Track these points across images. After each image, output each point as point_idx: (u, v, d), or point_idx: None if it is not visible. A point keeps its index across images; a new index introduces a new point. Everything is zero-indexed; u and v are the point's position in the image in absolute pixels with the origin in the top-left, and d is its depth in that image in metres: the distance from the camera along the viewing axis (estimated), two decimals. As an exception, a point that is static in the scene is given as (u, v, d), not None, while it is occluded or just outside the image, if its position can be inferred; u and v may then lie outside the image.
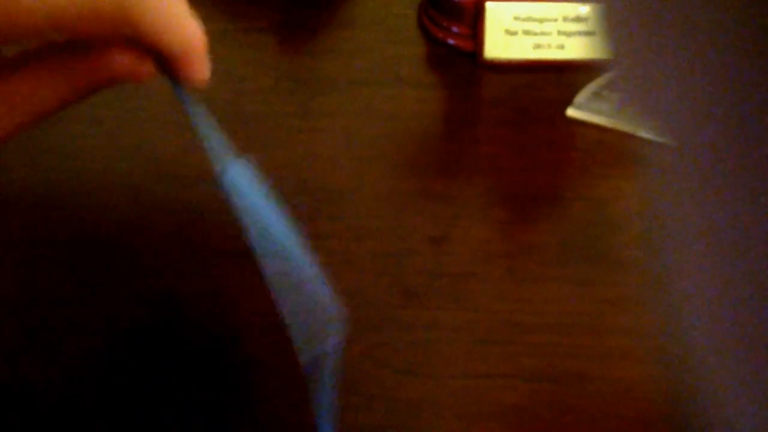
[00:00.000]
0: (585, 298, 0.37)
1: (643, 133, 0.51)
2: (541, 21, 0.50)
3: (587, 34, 0.51)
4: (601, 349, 0.35)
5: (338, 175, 0.44)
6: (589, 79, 0.51)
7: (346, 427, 0.32)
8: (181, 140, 0.43)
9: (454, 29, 0.52)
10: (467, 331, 0.36)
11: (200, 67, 0.27)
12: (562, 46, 0.51)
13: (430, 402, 0.33)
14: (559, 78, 0.52)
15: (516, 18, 0.50)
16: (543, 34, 0.51)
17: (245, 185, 0.27)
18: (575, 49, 0.51)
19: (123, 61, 0.26)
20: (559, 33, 0.51)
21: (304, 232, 0.41)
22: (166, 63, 0.26)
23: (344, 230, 0.41)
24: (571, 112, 0.48)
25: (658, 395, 0.33)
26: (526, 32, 0.51)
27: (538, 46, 0.51)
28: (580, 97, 0.49)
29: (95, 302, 0.37)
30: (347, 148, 0.46)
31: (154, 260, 0.39)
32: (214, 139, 0.28)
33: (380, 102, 0.49)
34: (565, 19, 0.51)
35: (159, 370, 0.35)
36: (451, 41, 0.52)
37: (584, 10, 0.51)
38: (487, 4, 0.50)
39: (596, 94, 0.49)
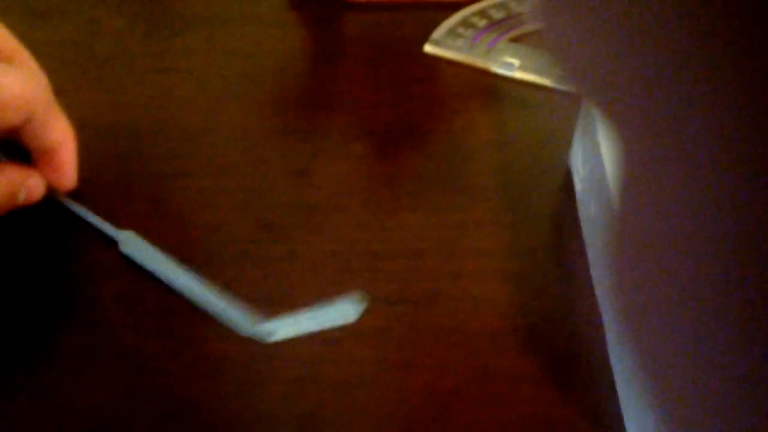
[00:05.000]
0: (438, 225, 0.39)
1: (497, 69, 0.53)
2: (396, -42, 0.51)
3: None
4: (453, 271, 0.36)
5: (195, 114, 0.44)
6: (446, 17, 0.52)
7: (207, 356, 0.33)
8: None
9: (312, -33, 0.51)
10: (326, 261, 0.37)
11: (69, 171, 0.37)
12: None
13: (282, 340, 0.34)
14: (417, 16, 0.52)
15: (372, -45, 0.51)
16: (399, -29, 0.51)
17: (139, 250, 0.36)
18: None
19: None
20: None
21: (159, 172, 0.40)
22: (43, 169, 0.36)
23: (201, 168, 0.40)
24: (428, 48, 0.49)
25: (504, 310, 0.35)
26: (383, -30, 0.51)
27: (394, -16, 0.51)
28: (437, 33, 0.50)
29: None
30: (204, 88, 0.45)
31: None
32: (96, 221, 0.37)
33: (239, 41, 0.49)
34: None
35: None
36: (309, -21, 0.51)
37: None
38: (343, -59, 0.49)
39: (452, 31, 0.50)
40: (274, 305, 0.34)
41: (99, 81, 0.45)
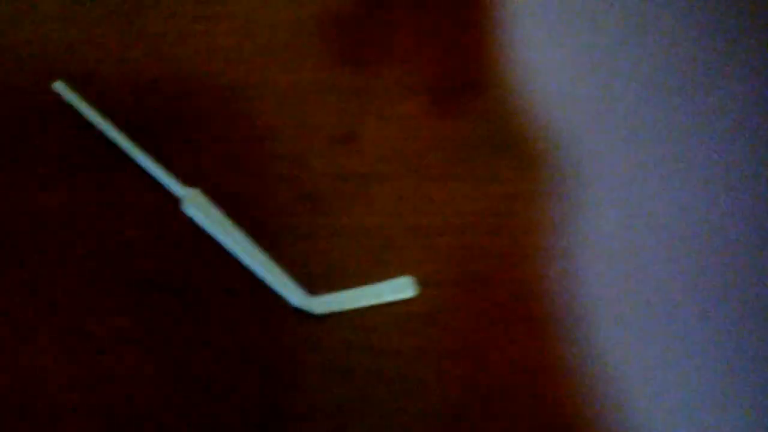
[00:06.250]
0: (489, 196, 0.36)
1: None
2: None
3: None
4: (502, 250, 0.34)
5: (237, 68, 0.42)
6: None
7: (251, 325, 0.32)
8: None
9: None
10: (370, 237, 0.35)
11: None
12: None
13: (330, 314, 0.33)
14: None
15: None
16: None
17: (202, 209, 0.35)
18: None
19: None
20: None
21: (197, 137, 0.39)
22: None
23: (241, 132, 0.39)
24: (487, -11, 0.45)
25: (559, 293, 0.33)
26: None
27: None
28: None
29: None
30: (248, 37, 0.43)
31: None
32: (163, 176, 0.36)
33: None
34: None
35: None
36: None
37: None
38: None
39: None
40: (314, 282, 0.33)
41: (143, 31, 0.44)
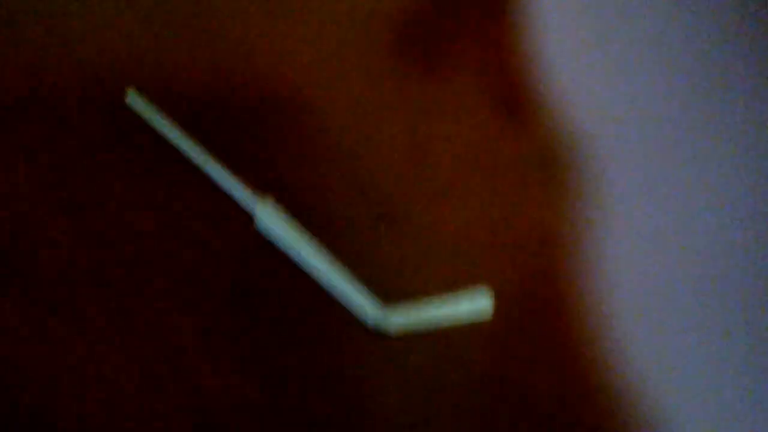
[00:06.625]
0: (570, 209, 0.36)
1: None
2: None
3: None
4: (584, 267, 0.34)
5: (308, 73, 0.41)
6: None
7: (325, 339, 0.32)
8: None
9: None
10: (446, 251, 0.35)
11: None
12: None
13: (406, 333, 0.33)
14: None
15: None
16: None
17: (276, 222, 0.35)
18: None
19: None
20: None
21: (270, 150, 0.39)
22: None
23: (314, 148, 0.39)
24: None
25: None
26: None
27: None
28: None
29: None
30: (319, 36, 0.43)
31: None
32: (237, 189, 0.36)
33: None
34: None
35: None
36: None
37: None
38: None
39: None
40: (389, 297, 0.33)
41: (215, 43, 0.43)
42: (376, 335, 0.32)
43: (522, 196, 0.36)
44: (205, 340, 0.33)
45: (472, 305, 0.33)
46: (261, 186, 0.37)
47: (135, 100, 0.39)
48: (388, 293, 0.34)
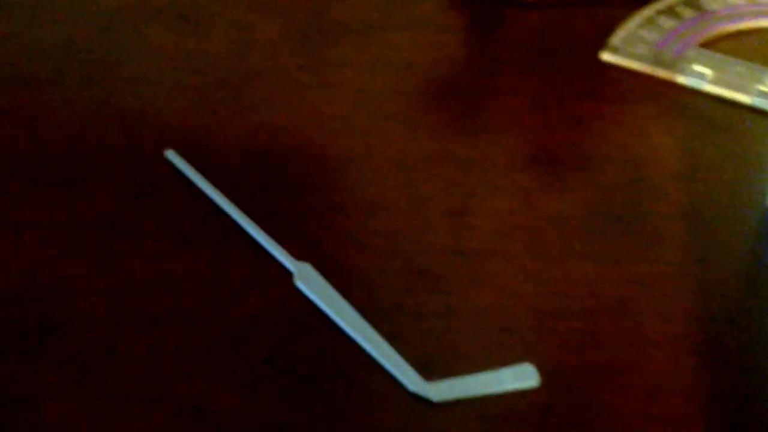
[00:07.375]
0: (613, 278, 0.34)
1: (685, 81, 0.45)
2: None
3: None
4: (630, 338, 0.32)
5: (348, 137, 0.41)
6: (626, 15, 0.46)
7: (365, 404, 0.30)
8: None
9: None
10: (487, 318, 0.33)
11: None
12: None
13: (447, 402, 0.31)
14: (592, 14, 0.47)
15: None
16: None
17: (313, 283, 0.34)
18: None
19: None
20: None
21: (308, 207, 0.38)
22: None
23: (353, 203, 0.38)
24: (605, 56, 0.44)
25: (693, 390, 0.31)
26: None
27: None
28: (616, 38, 0.45)
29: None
30: (359, 105, 0.43)
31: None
32: (275, 249, 0.36)
33: (395, 51, 0.46)
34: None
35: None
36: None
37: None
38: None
39: (633, 35, 0.45)
40: (429, 362, 0.31)
41: (253, 99, 0.44)
42: (417, 402, 0.31)
43: (567, 260, 0.35)
44: (243, 401, 0.31)
45: (517, 376, 0.31)
46: (301, 241, 0.36)
47: (174, 157, 0.39)
48: (428, 356, 0.32)
